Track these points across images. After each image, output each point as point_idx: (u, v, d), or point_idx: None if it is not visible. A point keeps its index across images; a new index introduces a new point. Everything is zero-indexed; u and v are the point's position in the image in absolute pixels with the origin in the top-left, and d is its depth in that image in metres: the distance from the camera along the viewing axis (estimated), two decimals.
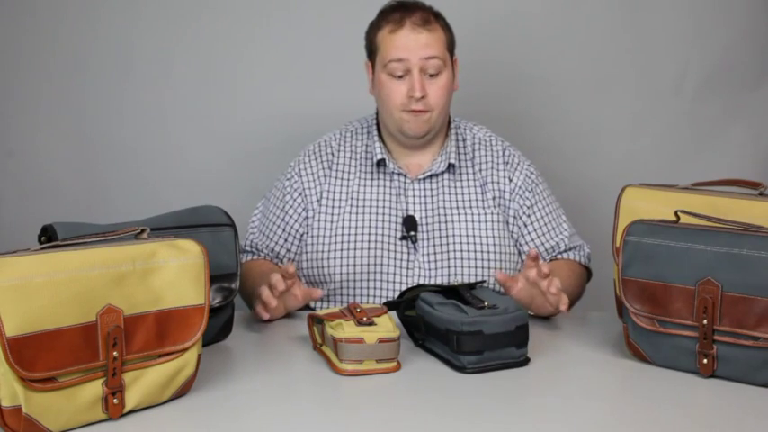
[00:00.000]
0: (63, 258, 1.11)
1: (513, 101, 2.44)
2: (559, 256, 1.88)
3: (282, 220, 1.88)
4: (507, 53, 2.45)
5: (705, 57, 2.46)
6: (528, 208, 1.87)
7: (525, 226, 1.86)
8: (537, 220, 1.87)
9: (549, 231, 1.87)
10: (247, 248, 1.90)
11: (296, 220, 1.87)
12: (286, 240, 1.87)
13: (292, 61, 2.42)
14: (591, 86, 2.46)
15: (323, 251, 1.82)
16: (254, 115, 2.43)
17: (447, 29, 1.83)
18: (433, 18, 1.80)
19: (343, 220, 1.83)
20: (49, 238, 1.38)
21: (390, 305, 1.51)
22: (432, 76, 1.78)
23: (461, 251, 1.80)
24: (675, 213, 1.39)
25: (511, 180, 1.87)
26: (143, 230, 1.26)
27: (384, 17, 1.82)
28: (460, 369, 1.37)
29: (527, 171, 1.89)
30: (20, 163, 2.43)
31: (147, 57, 2.41)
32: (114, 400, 1.15)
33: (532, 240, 1.86)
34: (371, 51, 1.85)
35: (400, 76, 1.78)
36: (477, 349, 1.36)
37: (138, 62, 2.41)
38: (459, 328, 1.35)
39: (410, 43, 1.76)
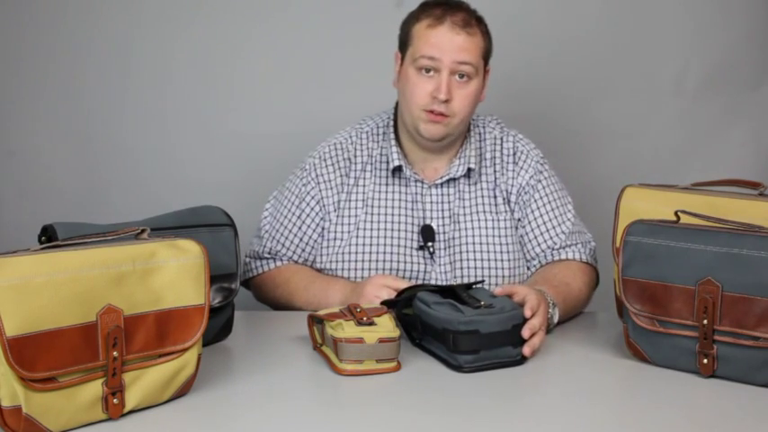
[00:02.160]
0: (63, 258, 1.11)
1: (514, 101, 2.44)
2: (555, 254, 1.81)
3: (300, 228, 1.82)
4: (507, 53, 2.43)
5: (705, 57, 2.46)
6: (526, 207, 1.82)
7: (524, 227, 1.82)
8: (535, 219, 1.82)
9: (548, 230, 1.82)
10: (267, 255, 1.85)
11: (314, 230, 1.82)
12: (303, 250, 1.83)
13: (292, 61, 2.42)
14: (591, 86, 2.46)
15: (338, 260, 1.78)
16: (254, 115, 2.42)
17: (487, 36, 1.77)
18: (475, 22, 1.74)
19: (359, 228, 1.79)
20: (49, 238, 1.37)
21: (388, 304, 1.51)
22: (461, 80, 1.72)
23: (476, 259, 1.77)
24: (675, 213, 1.39)
25: (516, 180, 1.83)
26: (143, 230, 1.26)
27: (425, 9, 1.75)
28: (457, 368, 1.37)
29: (533, 168, 1.84)
30: (20, 163, 2.43)
31: (147, 57, 2.41)
32: (114, 400, 1.15)
33: (529, 242, 1.81)
34: (404, 42, 1.78)
35: (429, 73, 1.72)
36: (474, 348, 1.36)
37: (138, 62, 2.41)
38: (456, 328, 1.36)
39: (446, 43, 1.70)
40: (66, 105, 2.42)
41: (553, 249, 1.82)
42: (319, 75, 2.41)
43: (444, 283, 1.76)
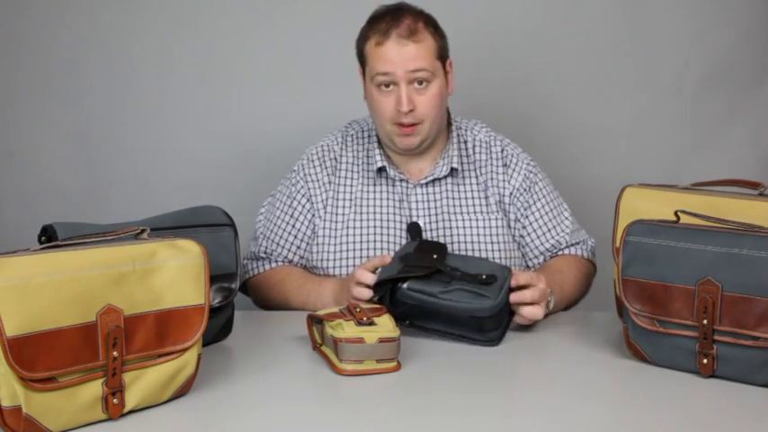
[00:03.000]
0: (63, 258, 1.11)
1: (514, 101, 2.45)
2: (560, 253, 1.86)
3: (293, 226, 1.86)
4: (508, 53, 2.45)
5: (705, 56, 2.46)
6: (525, 209, 1.85)
7: (524, 227, 1.85)
8: (536, 220, 1.86)
9: (549, 230, 1.86)
10: (262, 255, 1.87)
11: (307, 227, 1.85)
12: (299, 248, 1.85)
13: (291, 61, 2.42)
14: (591, 86, 2.46)
15: (327, 259, 1.81)
16: (254, 115, 2.43)
17: (437, 35, 1.77)
18: (422, 26, 1.74)
19: (347, 227, 1.82)
20: (49, 238, 1.37)
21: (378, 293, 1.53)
22: (420, 86, 1.74)
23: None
24: (675, 213, 1.39)
25: (509, 182, 1.86)
26: (143, 230, 1.26)
27: (371, 27, 1.77)
28: (488, 342, 1.48)
29: (525, 171, 1.87)
30: (20, 163, 2.43)
31: (147, 57, 2.41)
32: (114, 400, 1.15)
33: (533, 241, 1.85)
34: (361, 61, 1.82)
35: (388, 89, 1.74)
36: (500, 323, 1.47)
37: (138, 62, 2.41)
38: (489, 314, 1.44)
39: (395, 56, 1.72)
40: (66, 105, 2.42)
41: (559, 249, 1.87)
42: (319, 75, 2.41)
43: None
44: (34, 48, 2.39)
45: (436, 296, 1.46)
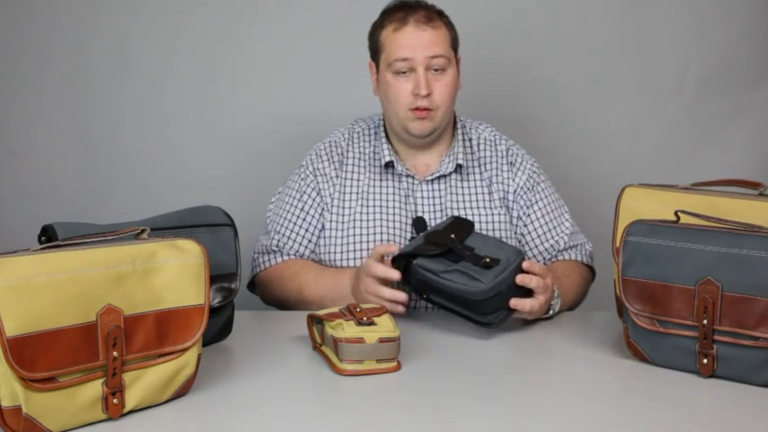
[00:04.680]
0: (63, 258, 1.11)
1: (514, 101, 2.45)
2: (559, 256, 1.88)
3: (304, 220, 1.87)
4: (508, 53, 2.45)
5: (705, 57, 2.46)
6: (528, 207, 1.88)
7: (525, 225, 1.87)
8: (537, 219, 1.88)
9: (549, 231, 1.88)
10: (274, 248, 1.88)
11: (317, 220, 1.87)
12: (309, 241, 1.86)
13: (293, 62, 2.42)
14: (591, 86, 2.46)
15: (335, 252, 1.83)
16: (255, 116, 2.43)
17: (450, 26, 1.83)
18: (437, 16, 1.81)
19: (354, 220, 1.83)
20: (49, 238, 1.37)
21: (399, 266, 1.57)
22: (437, 73, 1.78)
23: None
24: (675, 213, 1.39)
25: (513, 180, 1.89)
26: (143, 230, 1.26)
27: (387, 16, 1.82)
28: (487, 325, 1.51)
29: (529, 171, 1.90)
30: (20, 163, 2.43)
31: (147, 57, 2.41)
32: (114, 400, 1.15)
33: (533, 240, 1.87)
34: (375, 51, 1.84)
35: (405, 74, 1.78)
36: (499, 306, 1.48)
37: (138, 62, 2.41)
38: (482, 297, 1.46)
39: (414, 41, 1.76)
40: (66, 105, 2.42)
41: (557, 251, 1.88)
42: (319, 75, 2.41)
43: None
44: (34, 48, 2.39)
45: (437, 274, 1.51)
